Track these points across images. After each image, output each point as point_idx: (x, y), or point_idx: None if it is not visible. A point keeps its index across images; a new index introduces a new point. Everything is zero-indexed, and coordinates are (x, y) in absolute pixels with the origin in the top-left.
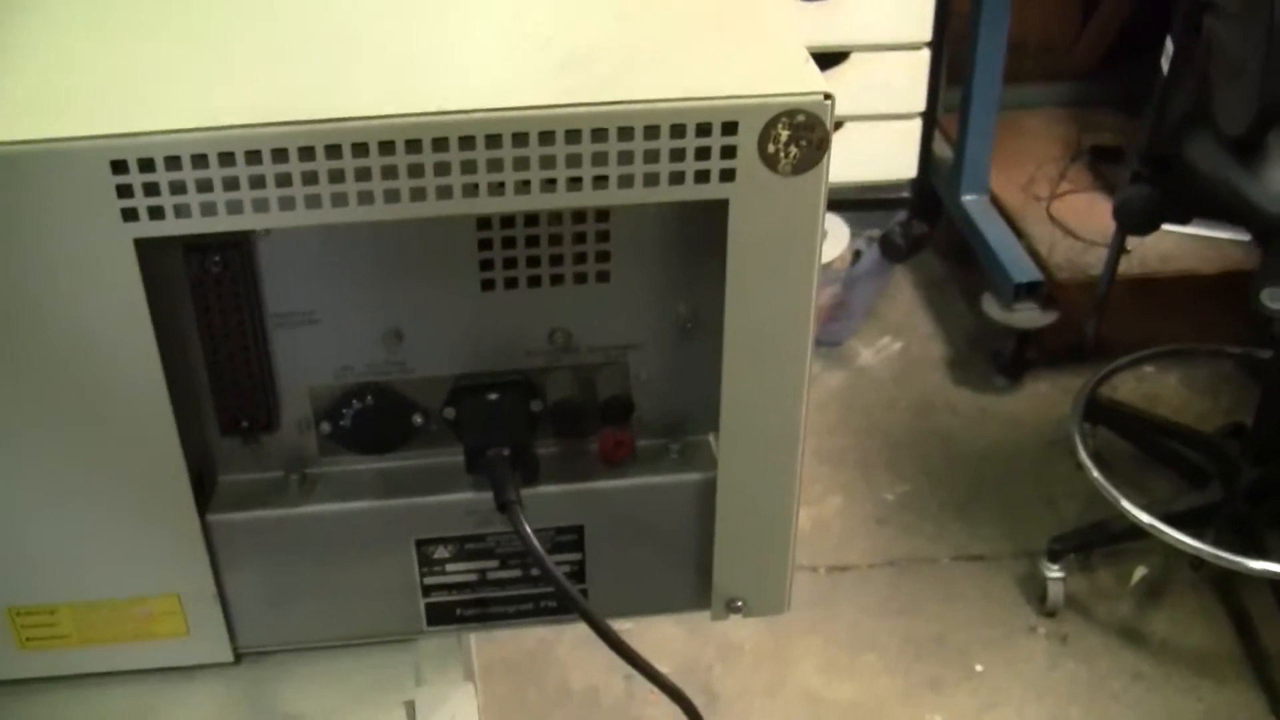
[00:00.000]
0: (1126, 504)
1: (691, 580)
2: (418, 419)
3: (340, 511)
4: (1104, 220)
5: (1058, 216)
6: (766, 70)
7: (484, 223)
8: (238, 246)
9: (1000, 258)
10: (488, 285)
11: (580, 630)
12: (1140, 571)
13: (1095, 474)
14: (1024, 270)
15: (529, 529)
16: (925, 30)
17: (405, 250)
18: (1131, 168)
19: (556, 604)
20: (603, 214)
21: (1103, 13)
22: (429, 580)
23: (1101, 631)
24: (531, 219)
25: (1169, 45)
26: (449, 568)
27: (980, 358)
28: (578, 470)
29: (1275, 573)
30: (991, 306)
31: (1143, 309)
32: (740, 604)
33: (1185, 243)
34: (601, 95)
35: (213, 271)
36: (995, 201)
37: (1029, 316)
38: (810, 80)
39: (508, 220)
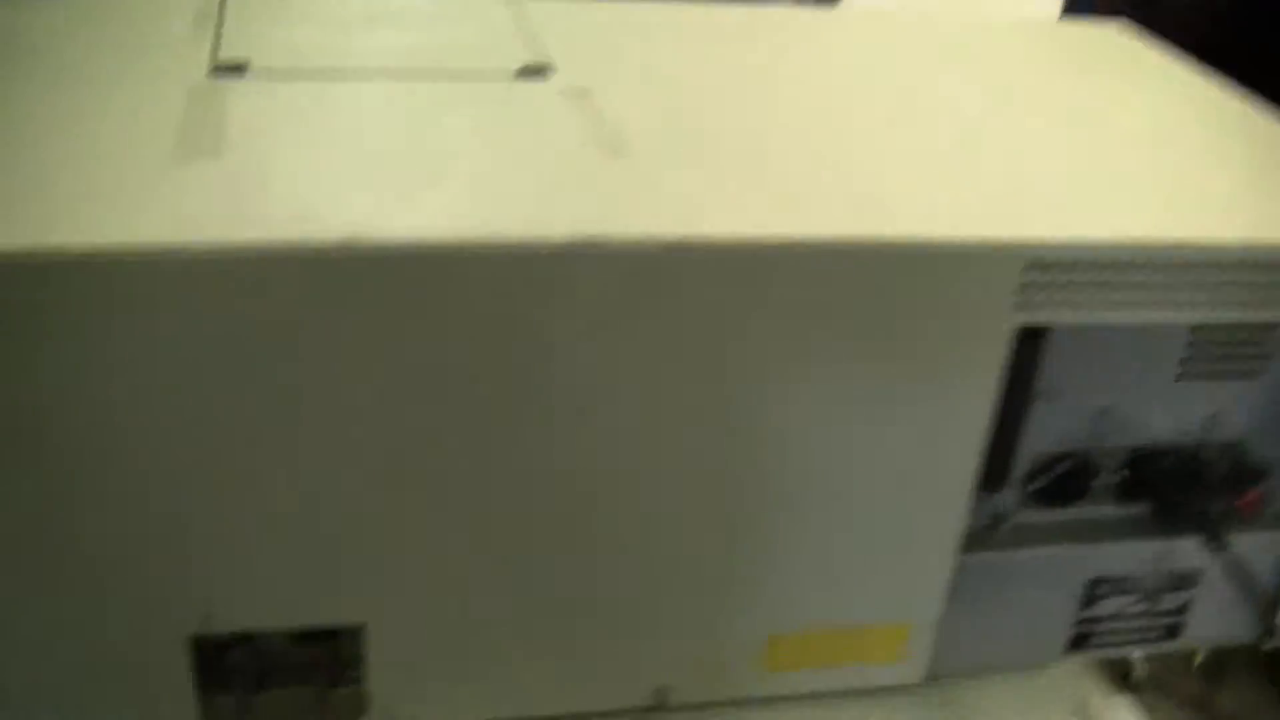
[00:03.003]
0: None
1: (1254, 615)
2: (1099, 479)
3: (1040, 555)
4: None
5: None
6: None
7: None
8: (1036, 336)
9: None
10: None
11: None
12: None
13: None
14: None
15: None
16: None
17: (1127, 346)
18: None
19: (1158, 633)
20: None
21: None
22: (1083, 614)
23: None
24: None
25: None
26: (1101, 604)
27: None
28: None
29: None
30: None
31: None
32: None
33: None
34: None
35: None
36: None
37: None
38: None
39: None
